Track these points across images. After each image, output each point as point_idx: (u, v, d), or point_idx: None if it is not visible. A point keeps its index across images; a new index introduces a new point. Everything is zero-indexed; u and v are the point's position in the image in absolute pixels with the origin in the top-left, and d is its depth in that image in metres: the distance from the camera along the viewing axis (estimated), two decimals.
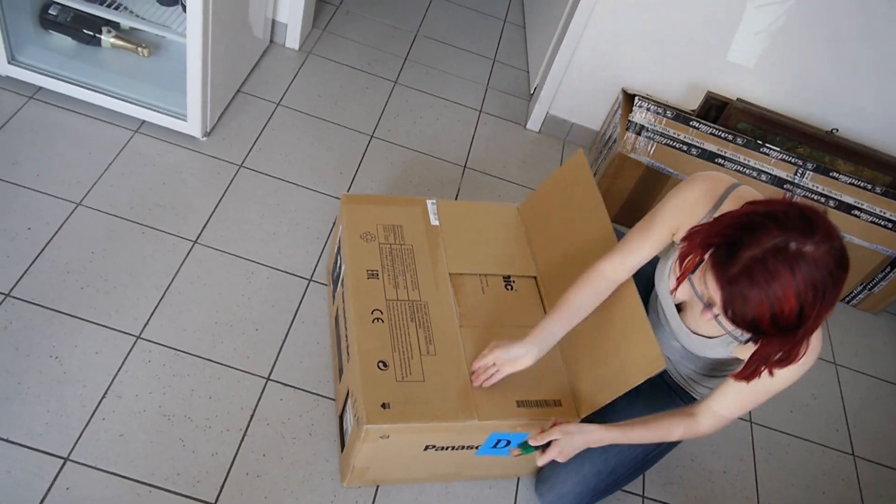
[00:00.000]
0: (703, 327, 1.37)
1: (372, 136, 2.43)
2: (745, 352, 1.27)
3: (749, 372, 1.18)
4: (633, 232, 1.41)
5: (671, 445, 1.62)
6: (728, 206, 1.26)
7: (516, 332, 1.48)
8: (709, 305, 1.13)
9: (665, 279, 1.40)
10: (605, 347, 1.49)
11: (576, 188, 1.72)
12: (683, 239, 1.15)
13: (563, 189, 1.77)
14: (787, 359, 1.14)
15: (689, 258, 1.13)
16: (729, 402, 1.36)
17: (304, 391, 1.74)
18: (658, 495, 1.82)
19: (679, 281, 1.19)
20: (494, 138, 2.61)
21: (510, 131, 2.67)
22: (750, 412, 2.05)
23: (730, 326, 1.09)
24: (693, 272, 1.16)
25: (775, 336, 1.06)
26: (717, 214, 1.24)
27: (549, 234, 1.76)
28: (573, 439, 1.39)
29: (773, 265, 0.99)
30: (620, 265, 1.42)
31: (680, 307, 1.42)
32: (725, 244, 1.05)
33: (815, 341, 1.20)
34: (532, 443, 1.40)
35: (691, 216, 1.29)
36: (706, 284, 1.10)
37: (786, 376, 1.24)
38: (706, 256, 1.09)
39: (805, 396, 2.17)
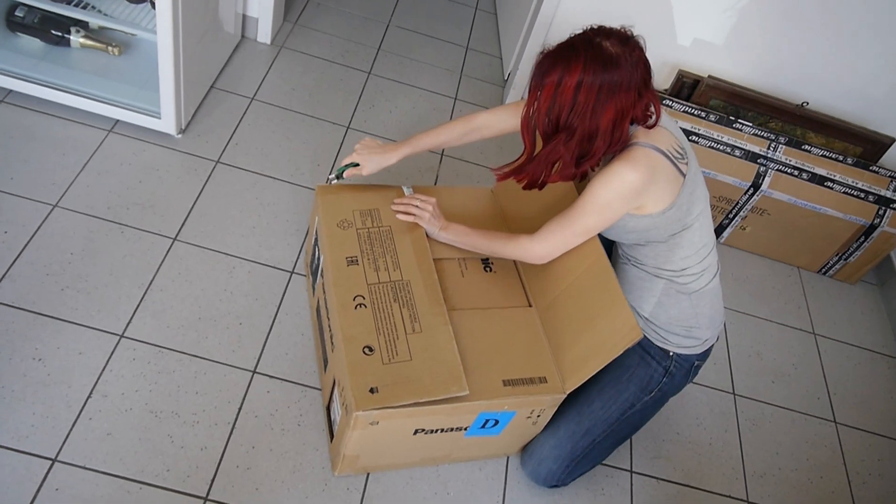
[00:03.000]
0: None
1: (348, 128, 2.43)
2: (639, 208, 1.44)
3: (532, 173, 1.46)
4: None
5: (654, 409, 1.65)
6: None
7: (499, 313, 1.60)
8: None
9: None
10: (584, 323, 1.51)
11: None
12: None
13: None
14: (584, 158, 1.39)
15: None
16: (553, 224, 1.51)
17: (290, 382, 1.74)
18: (646, 469, 1.84)
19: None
20: None
21: None
22: (733, 386, 2.09)
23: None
24: None
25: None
26: None
27: (526, 216, 1.77)
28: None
29: (576, 45, 1.32)
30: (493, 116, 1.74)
31: None
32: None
33: (619, 164, 1.38)
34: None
35: None
36: None
37: (593, 187, 1.42)
38: None
39: (786, 366, 2.20)
